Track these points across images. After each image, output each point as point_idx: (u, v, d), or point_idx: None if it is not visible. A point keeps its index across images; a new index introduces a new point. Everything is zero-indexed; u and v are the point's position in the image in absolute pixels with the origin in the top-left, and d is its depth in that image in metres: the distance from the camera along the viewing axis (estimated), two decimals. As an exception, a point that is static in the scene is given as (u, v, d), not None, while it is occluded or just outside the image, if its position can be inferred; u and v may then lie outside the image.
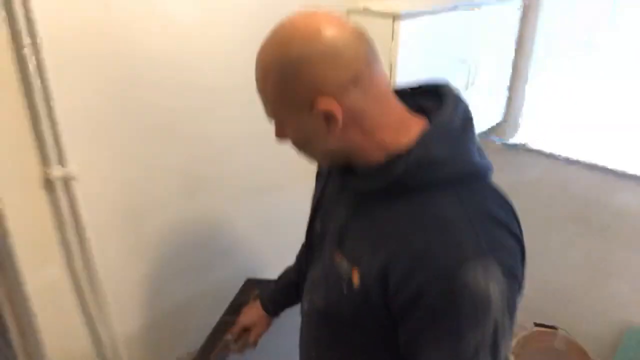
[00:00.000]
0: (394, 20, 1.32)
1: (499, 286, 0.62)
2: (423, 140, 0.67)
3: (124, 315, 1.12)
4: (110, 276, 1.06)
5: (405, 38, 1.35)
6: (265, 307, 1.13)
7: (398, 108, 0.71)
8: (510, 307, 0.65)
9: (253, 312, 1.14)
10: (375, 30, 1.36)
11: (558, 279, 2.14)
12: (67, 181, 0.94)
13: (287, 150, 0.76)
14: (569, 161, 1.95)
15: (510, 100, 2.02)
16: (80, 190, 0.96)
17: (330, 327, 0.81)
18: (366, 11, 1.39)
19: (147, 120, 1.04)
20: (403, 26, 1.33)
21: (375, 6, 1.38)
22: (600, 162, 1.87)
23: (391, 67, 1.38)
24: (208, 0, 1.05)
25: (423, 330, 0.65)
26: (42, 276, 0.98)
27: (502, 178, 2.08)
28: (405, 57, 1.37)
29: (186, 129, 1.12)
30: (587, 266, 2.03)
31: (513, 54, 1.92)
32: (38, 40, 0.83)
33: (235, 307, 1.19)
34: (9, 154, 0.87)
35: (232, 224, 1.33)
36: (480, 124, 1.92)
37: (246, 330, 1.13)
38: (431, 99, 0.74)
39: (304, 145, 0.73)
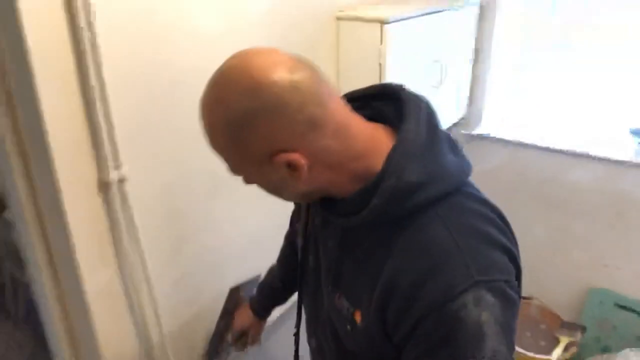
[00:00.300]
0: (382, 25, 1.47)
1: (493, 315, 0.61)
2: (392, 166, 0.63)
3: (170, 313, 1.17)
4: (157, 275, 1.11)
5: (393, 41, 1.50)
6: (255, 312, 1.22)
7: (360, 131, 0.67)
8: (507, 333, 0.63)
9: (245, 317, 1.22)
10: (365, 35, 1.51)
11: (525, 254, 2.34)
12: (121, 183, 1.00)
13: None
14: (527, 146, 2.17)
15: (472, 95, 2.23)
16: (131, 192, 1.01)
17: None
18: (356, 18, 1.53)
19: (182, 125, 1.11)
20: (390, 30, 1.48)
21: (363, 13, 1.52)
22: (554, 145, 2.11)
23: (381, 68, 1.52)
24: (231, 15, 1.15)
25: (419, 358, 0.65)
26: (98, 278, 1.01)
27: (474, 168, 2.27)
28: (393, 58, 1.52)
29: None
30: (550, 239, 2.25)
31: (473, 53, 2.13)
32: (98, 47, 0.89)
33: (228, 312, 1.28)
34: (70, 158, 0.91)
35: (249, 222, 1.41)
36: (449, 119, 2.11)
37: (243, 333, 1.22)
38: (390, 104, 0.71)
39: (275, 192, 0.71)
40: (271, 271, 1.19)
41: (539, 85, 2.20)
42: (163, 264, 1.14)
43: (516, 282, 0.67)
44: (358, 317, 0.71)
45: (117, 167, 0.98)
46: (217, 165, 1.20)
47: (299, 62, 0.63)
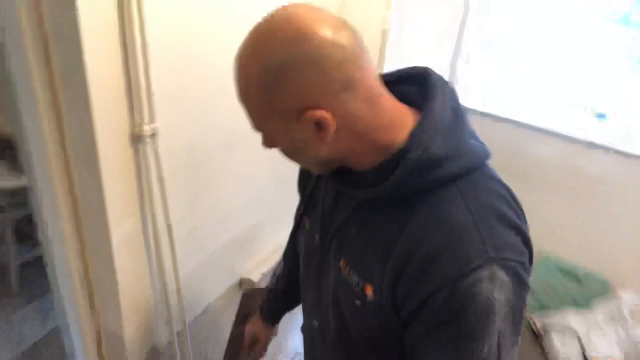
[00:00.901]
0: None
1: (504, 295, 0.61)
2: (418, 139, 0.63)
3: (182, 261, 1.21)
4: (178, 222, 1.14)
5: (397, 6, 1.53)
6: (265, 319, 1.16)
7: (389, 104, 0.66)
8: (515, 315, 0.63)
9: (256, 325, 1.18)
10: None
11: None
12: (153, 137, 1.00)
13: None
14: (496, 119, 2.31)
15: (451, 72, 2.32)
16: (160, 146, 1.02)
17: (345, 346, 0.80)
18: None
19: (206, 87, 1.13)
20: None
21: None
22: (521, 119, 2.25)
23: (383, 33, 1.56)
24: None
25: (426, 335, 0.65)
26: (125, 226, 1.03)
27: None
28: (397, 23, 1.56)
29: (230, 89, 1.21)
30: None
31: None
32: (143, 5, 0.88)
33: (242, 318, 1.27)
34: (108, 109, 0.91)
35: (253, 180, 1.45)
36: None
37: (255, 341, 1.19)
38: (415, 87, 0.71)
39: (294, 155, 0.69)
40: (274, 275, 1.15)
41: (510, 64, 2.32)
42: (180, 215, 1.16)
43: (529, 265, 0.67)
44: (369, 292, 0.70)
45: (151, 121, 0.98)
46: (233, 124, 1.24)
47: (345, 24, 0.61)
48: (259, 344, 1.17)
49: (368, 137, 0.65)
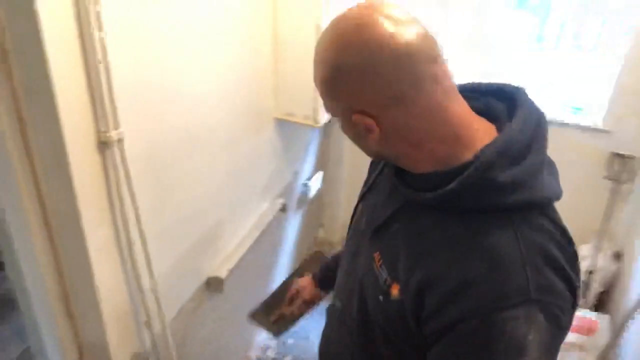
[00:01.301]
0: (321, -9, 1.59)
1: (540, 337, 0.59)
2: (484, 159, 0.61)
3: (157, 260, 1.23)
4: (147, 225, 1.16)
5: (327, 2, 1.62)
6: (314, 277, 1.17)
7: (458, 118, 0.64)
8: (549, 357, 0.61)
9: (305, 281, 1.19)
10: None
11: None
12: (120, 142, 1.02)
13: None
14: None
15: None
16: (127, 150, 1.05)
17: (364, 335, 0.79)
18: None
19: (167, 89, 1.16)
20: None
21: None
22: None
23: (317, 28, 1.64)
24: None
25: (450, 359, 0.63)
26: (99, 233, 1.04)
27: None
28: (327, 18, 1.65)
29: (187, 90, 1.25)
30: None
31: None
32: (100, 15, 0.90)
33: (298, 274, 1.28)
34: (74, 118, 0.93)
35: (216, 174, 1.49)
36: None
37: (299, 295, 1.19)
38: (504, 103, 0.70)
39: (354, 140, 0.72)
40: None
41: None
42: (149, 218, 1.18)
43: (570, 313, 0.65)
44: (395, 291, 0.69)
45: (116, 126, 1.01)
46: (191, 125, 1.28)
47: (422, 38, 0.62)
48: (299, 299, 1.18)
49: (423, 146, 0.65)
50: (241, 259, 1.69)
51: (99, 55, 0.93)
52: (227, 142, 1.53)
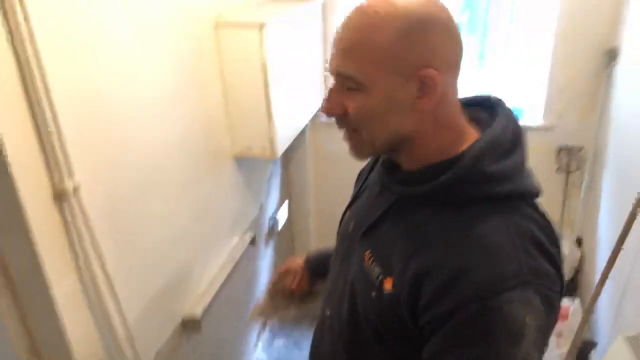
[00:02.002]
0: (261, 28, 1.66)
1: (535, 320, 0.61)
2: (473, 153, 0.66)
3: (127, 306, 1.23)
4: (113, 272, 1.17)
5: (270, 41, 1.71)
6: (306, 259, 1.16)
7: (462, 114, 0.71)
8: (543, 341, 0.64)
9: (295, 259, 1.18)
10: (245, 37, 1.68)
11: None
12: (76, 191, 1.04)
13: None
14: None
15: (326, 85, 2.55)
16: (84, 198, 1.06)
17: (354, 340, 0.80)
18: (235, 23, 1.69)
19: (112, 135, 1.18)
20: (268, 32, 1.68)
21: (240, 19, 1.70)
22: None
23: (263, 66, 1.72)
24: (138, 29, 1.24)
25: (449, 349, 0.63)
26: (64, 285, 1.04)
27: (329, 148, 2.71)
28: (271, 56, 1.73)
29: (140, 137, 1.28)
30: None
31: (321, 47, 2.44)
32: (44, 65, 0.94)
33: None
34: (27, 171, 0.94)
35: (178, 214, 1.51)
36: (311, 108, 2.40)
37: (286, 274, 1.19)
38: (484, 112, 0.75)
39: (376, 117, 0.68)
40: None
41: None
42: (115, 264, 1.19)
43: (559, 297, 0.67)
44: (388, 284, 0.70)
45: (71, 175, 1.02)
46: (148, 167, 1.30)
47: None
48: (289, 276, 1.17)
49: (442, 132, 0.69)
50: (215, 297, 1.69)
51: (47, 107, 0.95)
52: (187, 183, 1.56)
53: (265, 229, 2.42)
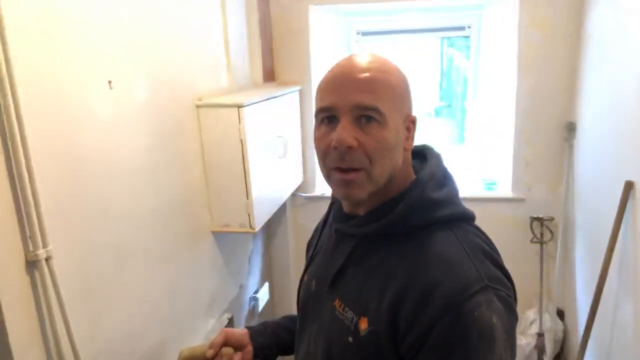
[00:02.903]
0: (239, 108, 1.76)
1: (501, 320, 0.66)
2: (418, 184, 0.76)
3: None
4: (81, 348, 1.13)
5: (248, 120, 1.80)
6: (251, 333, 1.02)
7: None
8: (511, 342, 0.68)
9: (238, 331, 1.03)
10: (225, 116, 1.78)
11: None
12: (48, 261, 1.04)
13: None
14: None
15: (305, 163, 2.64)
16: (56, 268, 1.06)
17: None
18: (215, 105, 1.79)
19: (90, 206, 1.21)
20: (246, 112, 1.78)
21: (220, 100, 1.80)
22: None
23: (242, 143, 1.80)
24: (119, 106, 1.32)
25: None
26: (31, 358, 1.01)
27: (310, 225, 2.73)
28: (250, 135, 1.81)
29: (118, 209, 1.31)
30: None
31: (300, 128, 2.56)
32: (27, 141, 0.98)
33: None
34: (1, 240, 0.95)
35: (151, 290, 1.49)
36: (292, 184, 2.46)
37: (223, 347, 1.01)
38: (417, 159, 0.85)
39: (389, 150, 0.74)
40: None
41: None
42: (83, 340, 1.16)
43: (515, 303, 0.74)
44: (364, 324, 0.73)
45: (45, 245, 1.03)
46: (121, 240, 1.31)
47: None
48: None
49: (405, 169, 0.80)
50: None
51: (26, 176, 0.98)
52: (164, 258, 1.56)
53: (245, 309, 2.37)
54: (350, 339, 0.74)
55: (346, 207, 0.84)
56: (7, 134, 0.95)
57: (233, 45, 2.08)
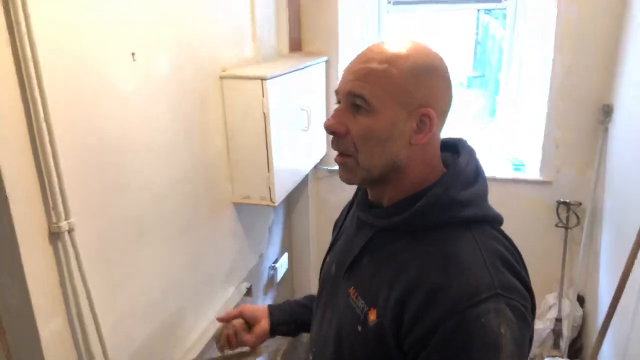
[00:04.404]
0: (262, 81, 1.74)
1: (510, 330, 0.64)
2: (442, 182, 0.74)
3: (115, 353, 1.22)
4: (102, 316, 1.17)
5: (272, 93, 1.78)
6: (270, 309, 1.09)
7: (439, 153, 0.79)
8: (520, 354, 0.65)
9: (256, 308, 1.10)
10: (249, 89, 1.76)
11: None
12: (70, 232, 1.06)
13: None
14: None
15: (328, 136, 2.60)
16: (78, 239, 1.08)
17: None
18: (238, 76, 1.77)
19: (111, 179, 1.22)
20: (270, 84, 1.76)
21: (244, 72, 1.78)
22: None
23: (265, 117, 1.78)
24: (142, 79, 1.31)
25: None
26: (52, 326, 1.05)
27: (330, 198, 2.74)
28: (273, 108, 1.79)
29: (140, 180, 1.32)
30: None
31: (325, 101, 2.52)
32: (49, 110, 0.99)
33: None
34: (25, 210, 0.97)
35: (171, 263, 1.51)
36: (315, 157, 2.45)
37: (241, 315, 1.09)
38: (449, 153, 0.82)
39: (378, 141, 0.73)
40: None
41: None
42: (104, 309, 1.19)
43: (531, 315, 0.71)
44: (372, 315, 0.73)
45: (67, 217, 1.05)
46: (142, 212, 1.33)
47: None
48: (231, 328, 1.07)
49: (424, 166, 0.76)
50: (205, 350, 1.66)
51: (48, 147, 0.99)
52: (184, 228, 1.57)
53: (264, 279, 2.41)
54: (360, 328, 0.75)
55: (370, 195, 0.84)
56: (31, 106, 0.96)
57: (259, 14, 2.04)
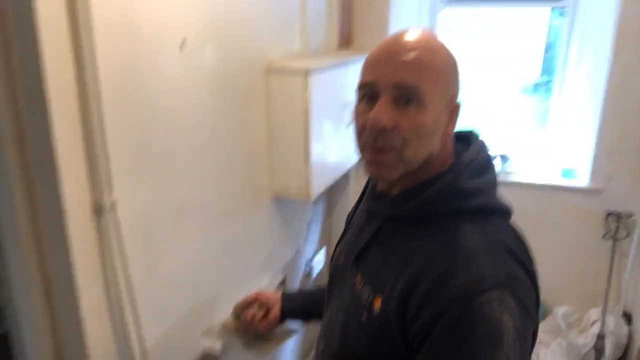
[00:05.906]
0: (306, 75, 1.76)
1: (513, 320, 0.64)
2: (452, 171, 0.74)
3: (148, 328, 1.27)
4: (139, 290, 1.23)
5: (314, 89, 1.80)
6: (283, 297, 1.18)
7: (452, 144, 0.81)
8: (523, 344, 0.65)
9: (267, 292, 1.22)
10: (292, 81, 1.79)
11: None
12: (113, 206, 1.12)
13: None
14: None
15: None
16: (119, 214, 1.14)
17: None
18: (282, 70, 1.81)
19: (155, 160, 1.28)
20: (312, 79, 1.78)
21: (288, 65, 1.81)
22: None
23: (305, 112, 1.81)
24: (189, 71, 1.36)
25: (437, 355, 0.66)
26: (91, 296, 1.11)
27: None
28: (315, 103, 1.81)
29: (183, 163, 1.38)
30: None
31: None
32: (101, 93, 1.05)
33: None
34: (73, 183, 1.03)
35: (211, 244, 1.57)
36: (355, 155, 2.45)
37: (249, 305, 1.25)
38: (460, 144, 0.83)
39: (426, 134, 0.73)
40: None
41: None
42: (140, 283, 1.25)
43: (536, 309, 0.71)
44: (378, 303, 0.74)
45: (110, 191, 1.11)
46: (184, 190, 1.38)
47: None
48: (253, 309, 1.20)
49: (443, 155, 0.78)
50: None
51: (97, 125, 1.05)
52: (224, 214, 1.62)
53: (300, 273, 2.43)
54: (364, 317, 0.76)
55: (380, 186, 0.85)
56: (86, 84, 1.01)
57: (310, 7, 2.05)
